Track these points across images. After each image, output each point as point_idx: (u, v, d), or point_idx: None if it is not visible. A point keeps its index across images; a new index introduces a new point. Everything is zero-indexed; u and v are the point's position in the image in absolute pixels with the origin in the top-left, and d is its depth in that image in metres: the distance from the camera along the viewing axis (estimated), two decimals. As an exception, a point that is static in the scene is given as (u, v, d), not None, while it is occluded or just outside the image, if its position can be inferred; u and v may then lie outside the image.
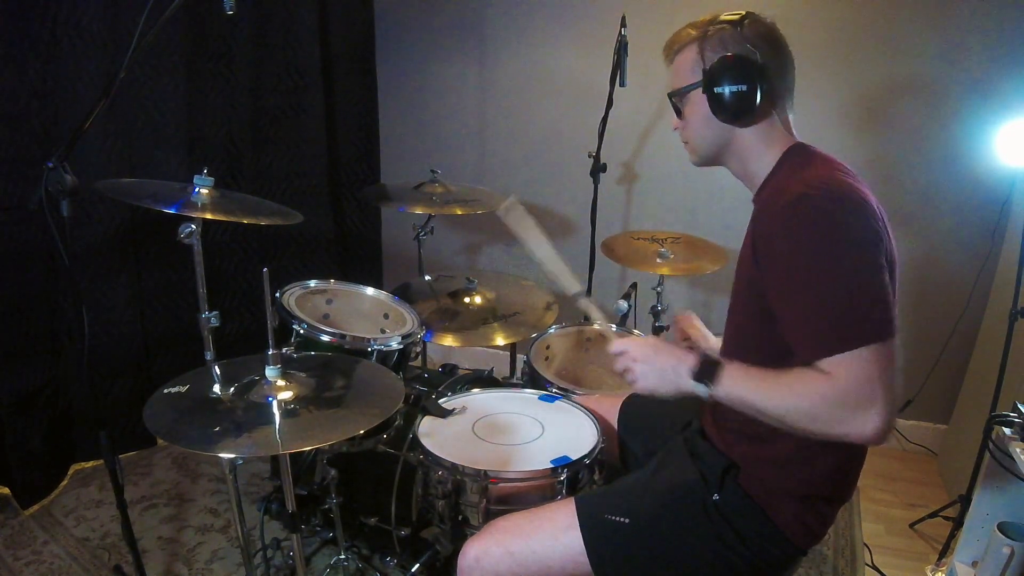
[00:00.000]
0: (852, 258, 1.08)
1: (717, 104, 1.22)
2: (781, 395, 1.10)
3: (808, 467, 1.22)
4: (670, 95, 1.32)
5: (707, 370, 1.16)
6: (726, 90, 1.20)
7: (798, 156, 1.24)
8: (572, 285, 1.52)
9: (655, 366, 1.22)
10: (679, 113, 1.33)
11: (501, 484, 1.44)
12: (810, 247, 1.09)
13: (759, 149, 1.26)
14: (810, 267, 1.08)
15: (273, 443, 1.28)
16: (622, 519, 1.27)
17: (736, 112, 1.22)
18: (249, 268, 2.87)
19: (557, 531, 1.29)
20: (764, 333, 1.18)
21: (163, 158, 2.49)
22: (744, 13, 1.23)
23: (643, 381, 1.23)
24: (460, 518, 1.48)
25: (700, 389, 1.16)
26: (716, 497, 1.26)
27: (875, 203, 1.16)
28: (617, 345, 1.28)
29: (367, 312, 2.11)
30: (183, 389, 1.40)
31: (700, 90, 1.24)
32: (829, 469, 1.23)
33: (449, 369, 2.22)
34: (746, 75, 1.19)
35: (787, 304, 1.13)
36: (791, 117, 1.28)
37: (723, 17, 1.24)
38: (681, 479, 1.31)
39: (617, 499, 1.33)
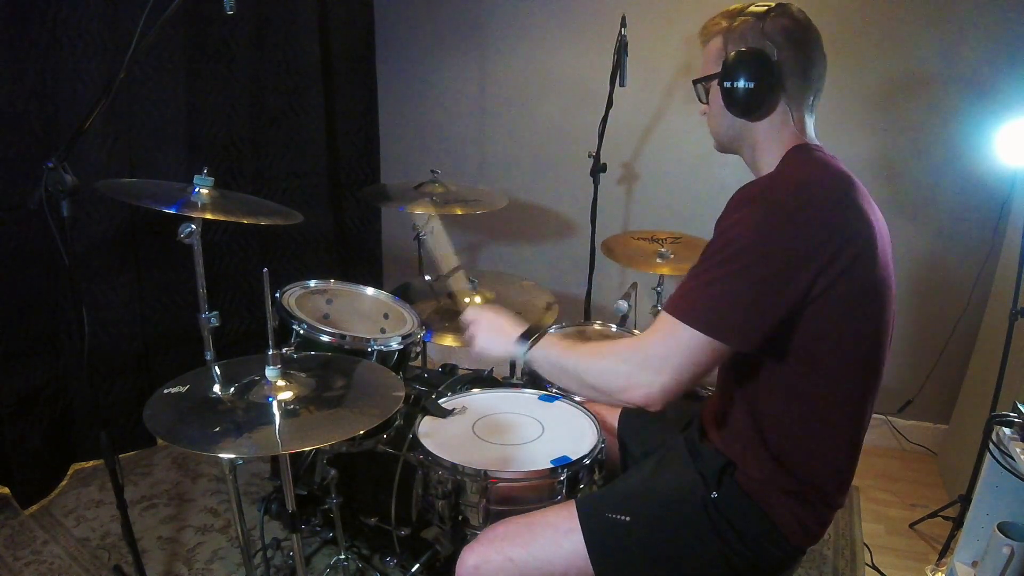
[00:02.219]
0: (756, 262, 1.10)
1: (728, 97, 1.22)
2: (584, 355, 1.24)
3: (803, 467, 1.22)
4: (694, 81, 1.33)
5: (530, 334, 1.32)
6: (737, 85, 1.20)
7: (796, 157, 1.23)
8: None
9: (492, 327, 1.39)
10: (705, 99, 1.33)
11: (501, 484, 1.44)
12: (733, 232, 1.14)
13: (767, 145, 1.26)
14: (721, 247, 1.15)
15: (273, 443, 1.28)
16: (623, 517, 1.27)
17: (745, 107, 1.22)
18: (249, 268, 2.87)
19: (557, 535, 1.28)
20: None
21: (163, 158, 2.49)
22: (773, 5, 1.22)
23: (479, 341, 1.39)
24: (460, 518, 1.48)
25: (519, 349, 1.32)
26: (715, 495, 1.26)
27: (852, 219, 1.13)
28: (467, 313, 1.44)
29: (367, 312, 2.11)
30: (183, 389, 1.39)
31: (718, 81, 1.24)
32: (825, 469, 1.23)
33: (449, 369, 2.22)
34: (756, 71, 1.19)
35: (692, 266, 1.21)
36: (809, 116, 1.27)
37: (751, 8, 1.23)
38: (681, 478, 1.31)
39: (617, 498, 1.33)
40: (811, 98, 1.25)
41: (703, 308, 1.13)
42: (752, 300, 1.11)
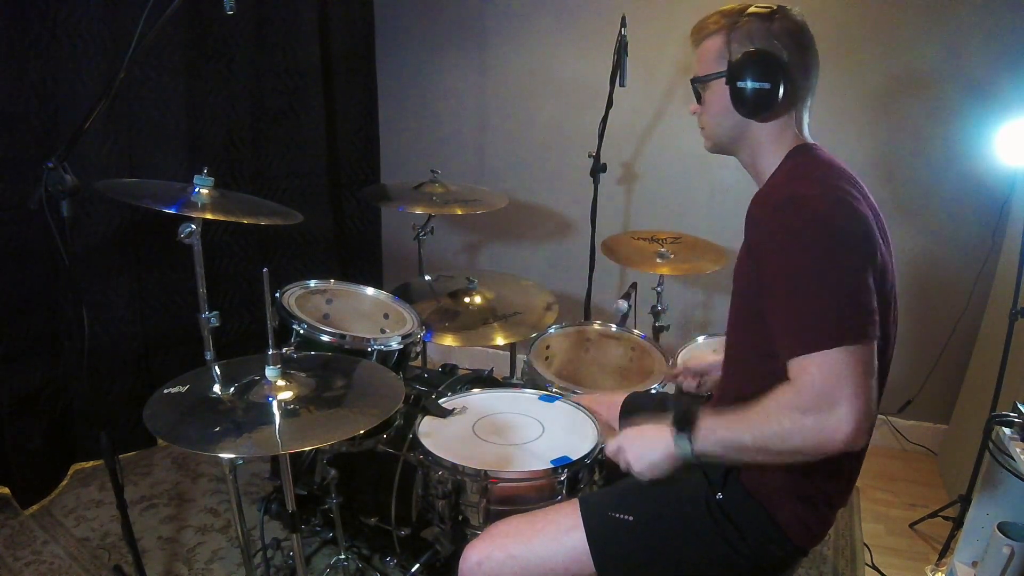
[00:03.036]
0: (832, 259, 1.08)
1: (738, 98, 1.22)
2: (755, 423, 1.11)
3: (808, 468, 1.22)
4: (693, 80, 1.32)
5: (681, 424, 1.19)
6: (748, 85, 1.19)
7: (801, 156, 1.24)
8: None
9: (642, 445, 1.25)
10: (699, 99, 1.32)
11: (501, 484, 1.44)
12: (793, 248, 1.10)
13: (769, 146, 1.26)
14: (793, 267, 1.10)
15: (273, 443, 1.29)
16: (626, 516, 1.27)
17: (756, 108, 1.22)
18: (249, 268, 2.87)
19: (560, 532, 1.28)
20: (764, 331, 1.18)
21: (163, 158, 2.49)
22: (775, 7, 1.22)
23: (638, 463, 1.25)
24: (460, 518, 1.48)
25: (683, 447, 1.17)
26: (720, 496, 1.26)
27: (870, 210, 1.16)
28: (610, 447, 1.32)
29: (367, 312, 2.11)
30: (183, 389, 1.40)
31: (723, 81, 1.23)
32: (829, 469, 1.23)
33: (449, 369, 2.22)
34: (770, 72, 1.18)
35: (770, 304, 1.14)
36: (806, 118, 1.28)
37: (753, 9, 1.23)
38: (684, 479, 1.31)
39: (621, 497, 1.33)
40: (809, 99, 1.27)
41: (831, 322, 1.06)
42: (861, 288, 1.09)
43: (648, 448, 1.24)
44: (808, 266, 1.08)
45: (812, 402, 1.05)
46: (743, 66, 1.20)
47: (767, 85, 1.18)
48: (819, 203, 1.11)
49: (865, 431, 1.06)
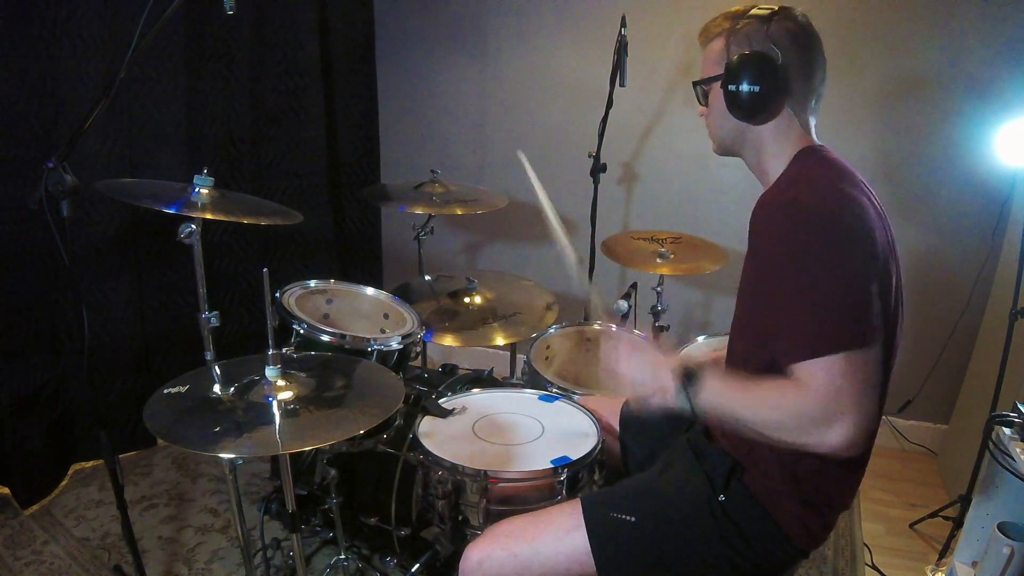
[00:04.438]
0: (833, 264, 1.08)
1: (732, 101, 1.21)
2: (757, 407, 1.12)
3: (810, 470, 1.22)
4: (695, 84, 1.31)
5: (688, 379, 1.17)
6: (741, 88, 1.19)
7: (809, 159, 1.23)
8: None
9: (643, 362, 1.23)
10: (705, 101, 1.32)
11: (501, 484, 1.44)
12: (794, 251, 1.09)
13: (774, 147, 1.25)
14: (794, 271, 1.09)
15: (273, 443, 1.28)
16: (628, 517, 1.27)
17: (749, 111, 1.21)
18: (249, 268, 2.87)
19: (561, 532, 1.28)
20: (768, 336, 1.18)
21: (163, 158, 2.49)
22: (776, 8, 1.22)
23: (633, 390, 1.24)
24: (460, 518, 1.48)
25: (683, 398, 1.16)
26: (722, 498, 1.26)
27: (876, 214, 1.16)
28: (606, 348, 1.28)
29: (367, 312, 2.11)
30: (183, 389, 1.40)
31: (720, 83, 1.23)
32: (832, 473, 1.23)
33: (449, 369, 2.22)
34: (763, 75, 1.18)
35: (772, 307, 1.13)
36: (813, 119, 1.27)
37: (754, 11, 1.22)
38: (687, 480, 1.31)
39: (623, 497, 1.33)
40: (814, 100, 1.26)
41: (833, 327, 1.06)
42: (863, 293, 1.08)
43: (648, 367, 1.22)
44: (809, 270, 1.08)
45: (816, 410, 1.05)
46: (736, 69, 1.19)
47: (757, 88, 1.18)
48: (821, 207, 1.11)
49: (863, 441, 1.07)
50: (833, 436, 1.05)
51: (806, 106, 1.25)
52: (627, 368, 1.24)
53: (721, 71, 1.23)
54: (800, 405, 1.07)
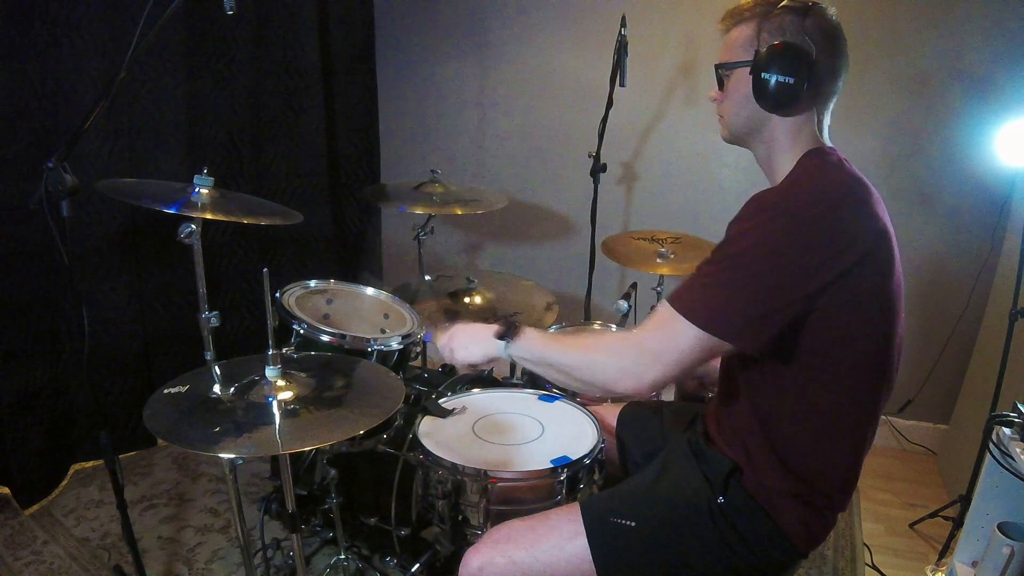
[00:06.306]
0: (769, 253, 1.10)
1: (761, 89, 1.19)
2: (571, 350, 1.26)
3: (809, 471, 1.22)
4: (717, 67, 1.29)
5: (508, 331, 1.33)
6: (773, 78, 1.17)
7: (816, 159, 1.21)
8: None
9: (466, 335, 1.41)
10: (722, 85, 1.29)
11: (501, 484, 1.44)
12: (746, 229, 1.13)
13: (786, 143, 1.24)
14: (735, 243, 1.14)
15: (273, 443, 1.28)
16: (628, 522, 1.27)
17: (777, 102, 1.19)
18: (249, 268, 2.87)
19: (562, 539, 1.27)
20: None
21: (163, 158, 2.49)
22: (811, 3, 1.20)
23: (458, 353, 1.42)
24: (460, 518, 1.48)
25: (500, 347, 1.33)
26: (721, 500, 1.25)
27: (875, 216, 1.14)
28: (441, 339, 1.46)
29: (367, 312, 2.11)
30: (183, 389, 1.39)
31: (748, 70, 1.21)
32: (831, 473, 1.23)
33: (449, 369, 2.21)
34: (797, 68, 1.16)
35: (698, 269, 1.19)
36: (827, 120, 1.26)
37: (787, 2, 1.20)
38: (686, 482, 1.31)
39: (622, 502, 1.32)
40: (832, 101, 1.25)
41: (707, 307, 1.12)
42: (759, 306, 1.10)
43: (471, 340, 1.40)
44: (745, 259, 1.12)
45: (636, 353, 1.17)
46: (770, 57, 1.17)
47: (791, 80, 1.16)
48: (802, 212, 1.11)
49: (648, 394, 1.21)
50: (640, 375, 1.16)
51: (826, 106, 1.24)
52: (455, 340, 1.42)
53: (749, 57, 1.20)
54: (622, 347, 1.20)
